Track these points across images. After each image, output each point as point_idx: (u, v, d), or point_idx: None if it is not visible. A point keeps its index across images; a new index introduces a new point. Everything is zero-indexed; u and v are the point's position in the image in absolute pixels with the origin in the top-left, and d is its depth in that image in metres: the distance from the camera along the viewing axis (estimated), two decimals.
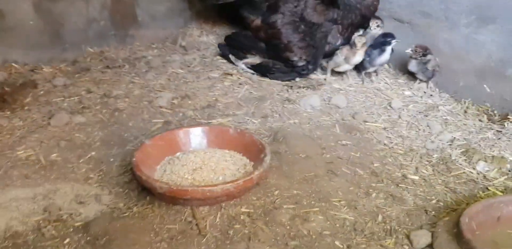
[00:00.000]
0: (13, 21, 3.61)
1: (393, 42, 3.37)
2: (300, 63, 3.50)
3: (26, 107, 3.13)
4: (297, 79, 3.55)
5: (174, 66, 3.69)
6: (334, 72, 3.57)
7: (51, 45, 3.83)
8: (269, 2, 3.69)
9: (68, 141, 2.83)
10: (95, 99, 3.24)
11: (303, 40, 3.52)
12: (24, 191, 2.43)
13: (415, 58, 3.33)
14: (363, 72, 3.51)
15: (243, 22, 3.88)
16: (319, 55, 3.53)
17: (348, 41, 3.56)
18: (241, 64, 3.70)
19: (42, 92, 3.33)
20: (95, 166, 2.63)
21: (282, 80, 3.53)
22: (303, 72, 3.53)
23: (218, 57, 3.88)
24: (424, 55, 3.30)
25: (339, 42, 3.56)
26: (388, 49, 3.39)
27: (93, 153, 2.73)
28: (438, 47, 3.36)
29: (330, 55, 3.55)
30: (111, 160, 2.68)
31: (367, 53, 3.41)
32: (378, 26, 3.59)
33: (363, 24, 3.65)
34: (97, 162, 2.67)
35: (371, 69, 3.51)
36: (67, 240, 2.13)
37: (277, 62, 3.57)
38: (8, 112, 3.08)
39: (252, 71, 3.65)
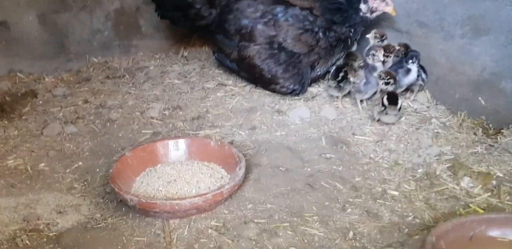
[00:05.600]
0: (18, 32, 3.73)
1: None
2: (288, 91, 3.40)
3: (23, 117, 3.24)
4: None
5: (171, 77, 3.74)
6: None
7: (56, 55, 3.93)
8: (241, 33, 3.43)
9: (57, 151, 2.90)
10: (90, 109, 3.32)
11: (287, 71, 3.38)
12: (7, 200, 2.51)
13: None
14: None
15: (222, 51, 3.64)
16: (306, 80, 3.42)
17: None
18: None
19: (41, 102, 3.44)
20: (80, 176, 2.70)
21: None
22: (293, 95, 3.43)
23: (218, 67, 3.90)
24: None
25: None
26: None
27: (80, 163, 2.80)
28: (435, 58, 3.30)
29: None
30: (97, 170, 2.74)
31: None
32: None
33: None
34: (82, 172, 2.73)
35: None
36: None
37: None
38: (6, 122, 3.19)
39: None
